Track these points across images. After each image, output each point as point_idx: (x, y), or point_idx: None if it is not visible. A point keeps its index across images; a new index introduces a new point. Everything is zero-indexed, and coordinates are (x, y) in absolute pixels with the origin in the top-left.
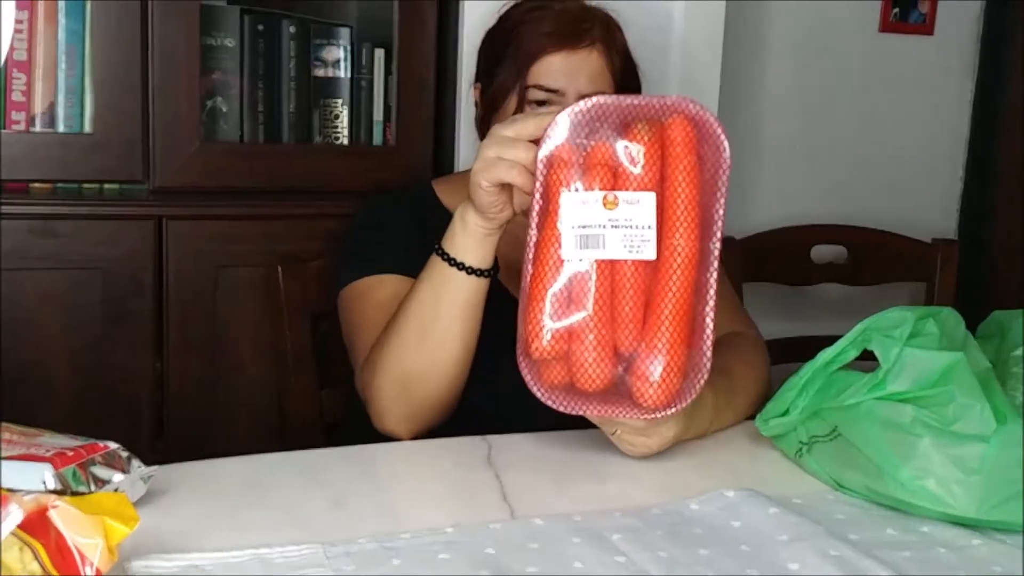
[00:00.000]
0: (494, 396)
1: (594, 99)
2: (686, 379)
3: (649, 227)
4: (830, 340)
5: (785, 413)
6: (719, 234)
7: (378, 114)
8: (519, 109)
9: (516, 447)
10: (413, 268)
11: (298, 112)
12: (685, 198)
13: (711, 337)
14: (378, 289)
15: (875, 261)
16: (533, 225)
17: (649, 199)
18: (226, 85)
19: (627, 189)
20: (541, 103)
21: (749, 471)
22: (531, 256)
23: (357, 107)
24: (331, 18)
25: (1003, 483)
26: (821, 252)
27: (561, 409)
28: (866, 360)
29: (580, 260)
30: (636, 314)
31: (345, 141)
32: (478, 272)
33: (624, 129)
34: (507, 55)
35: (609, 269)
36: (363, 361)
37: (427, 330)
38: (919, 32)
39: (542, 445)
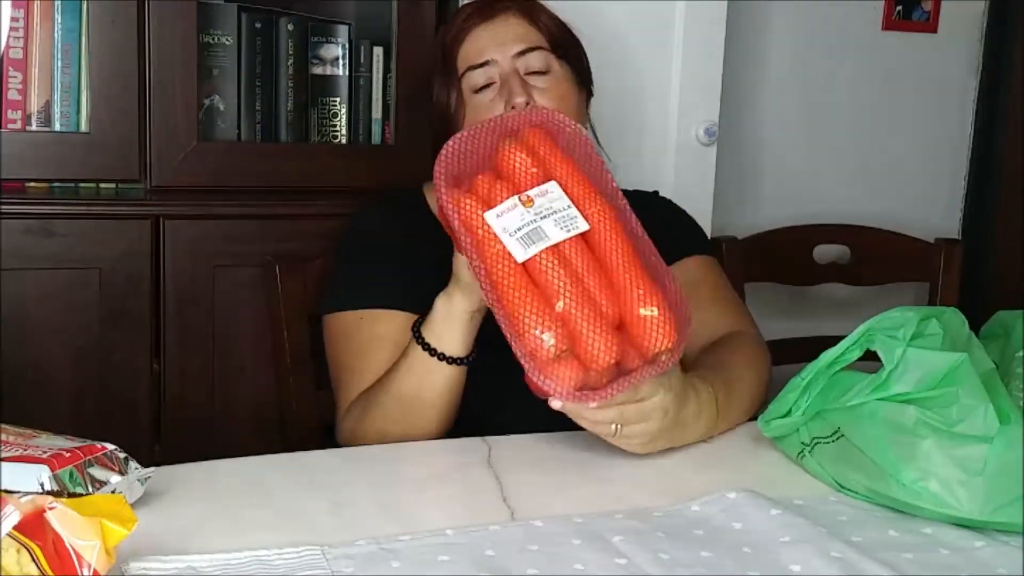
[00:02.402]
0: (499, 407)
1: (450, 143)
2: (676, 313)
3: (569, 206)
4: (833, 340)
5: (787, 414)
6: (620, 194)
7: (377, 112)
8: (459, 103)
9: (516, 448)
10: (399, 297)
11: (296, 110)
12: (574, 178)
13: (670, 272)
14: (366, 327)
15: (878, 261)
16: (474, 259)
17: (554, 186)
18: (224, 83)
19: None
20: (483, 88)
21: (751, 472)
22: (487, 285)
23: (356, 105)
24: (329, 16)
25: (1007, 484)
26: (824, 252)
27: (588, 401)
28: (869, 361)
29: (535, 257)
30: (602, 280)
31: (344, 140)
32: (457, 361)
33: (494, 153)
34: (436, 69)
35: (556, 256)
36: (344, 411)
37: (408, 411)
38: (922, 30)
39: (542, 446)
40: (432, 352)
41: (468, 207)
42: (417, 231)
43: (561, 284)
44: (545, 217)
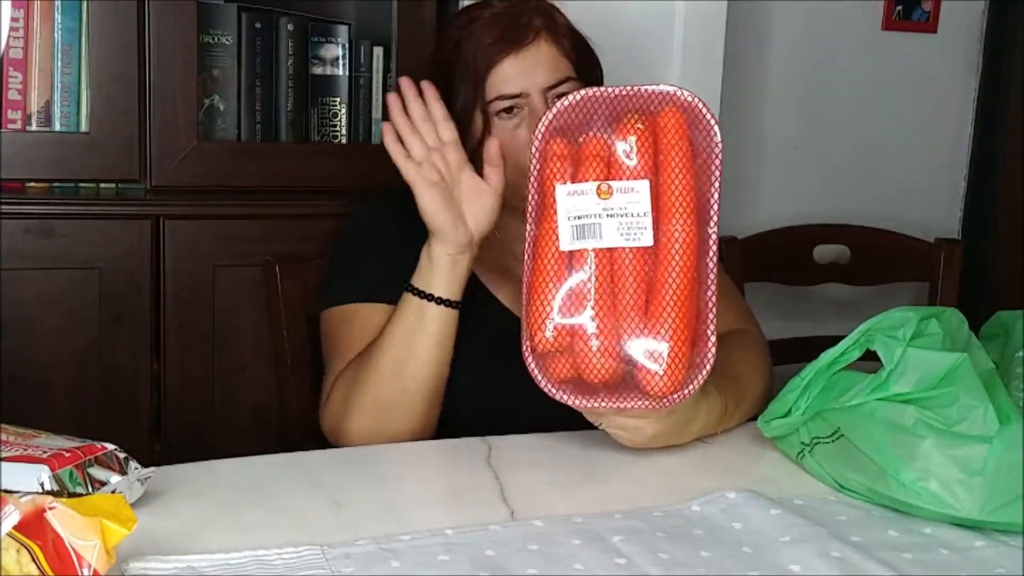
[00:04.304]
0: (488, 407)
1: (583, 92)
2: (692, 366)
3: (645, 214)
4: (833, 340)
5: (787, 414)
6: (715, 219)
7: (377, 112)
8: (487, 127)
9: (516, 448)
10: (395, 293)
11: (296, 110)
12: (680, 185)
13: (714, 322)
14: (356, 319)
15: (878, 261)
16: (530, 220)
17: (643, 187)
18: (224, 83)
19: (621, 179)
20: (508, 111)
21: (751, 472)
22: (530, 251)
23: (356, 105)
24: (329, 16)
25: (1006, 484)
26: (823, 252)
27: (568, 402)
28: (869, 361)
29: (581, 251)
30: (637, 302)
31: (344, 140)
32: (447, 303)
33: (615, 120)
34: (457, 79)
35: (608, 259)
36: (329, 390)
37: (401, 363)
38: (922, 30)
39: (542, 446)
40: (421, 295)
41: (552, 168)
42: (418, 231)
43: (590, 288)
44: (612, 216)
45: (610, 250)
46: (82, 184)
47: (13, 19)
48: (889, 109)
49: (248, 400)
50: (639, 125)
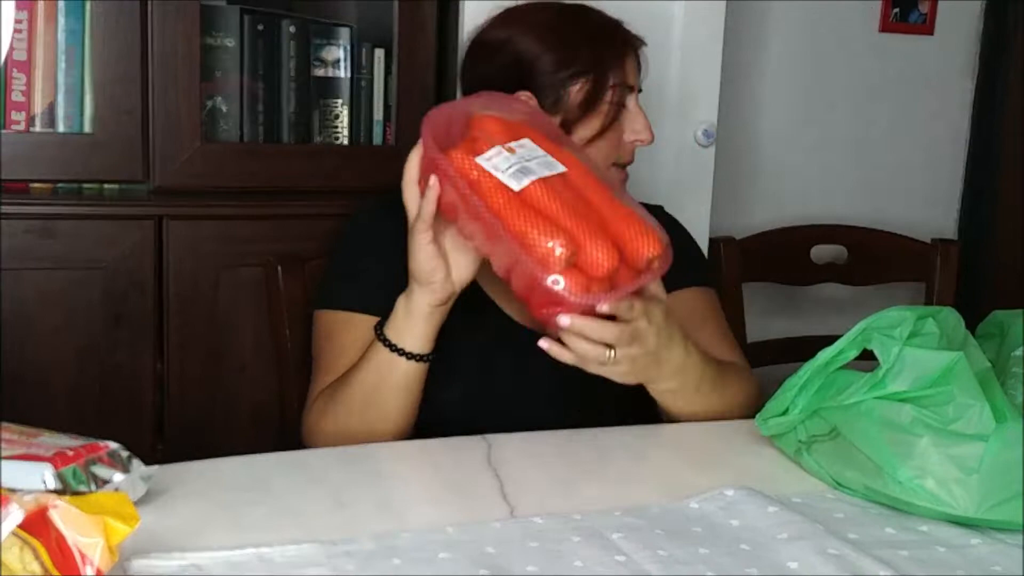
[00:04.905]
0: (483, 410)
1: (434, 110)
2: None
3: (545, 154)
4: (830, 340)
5: (785, 412)
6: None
7: (378, 114)
8: (612, 109)
9: (516, 446)
10: (385, 305)
11: (298, 112)
12: (540, 137)
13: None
14: (346, 330)
15: (875, 261)
16: (472, 203)
17: (527, 141)
18: (226, 85)
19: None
20: (620, 102)
21: (749, 470)
22: (491, 216)
23: (357, 107)
24: (331, 18)
25: (1002, 483)
26: (821, 252)
27: (604, 305)
28: (866, 360)
29: (529, 186)
30: (589, 207)
31: (345, 141)
32: (418, 357)
33: (463, 130)
34: (581, 57)
35: (549, 188)
36: (311, 403)
37: (368, 404)
38: (919, 32)
39: (542, 444)
40: (392, 348)
41: (460, 156)
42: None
43: (556, 206)
44: (528, 161)
45: (544, 180)
46: (85, 185)
47: (17, 21)
48: (886, 110)
49: (249, 399)
50: (486, 114)
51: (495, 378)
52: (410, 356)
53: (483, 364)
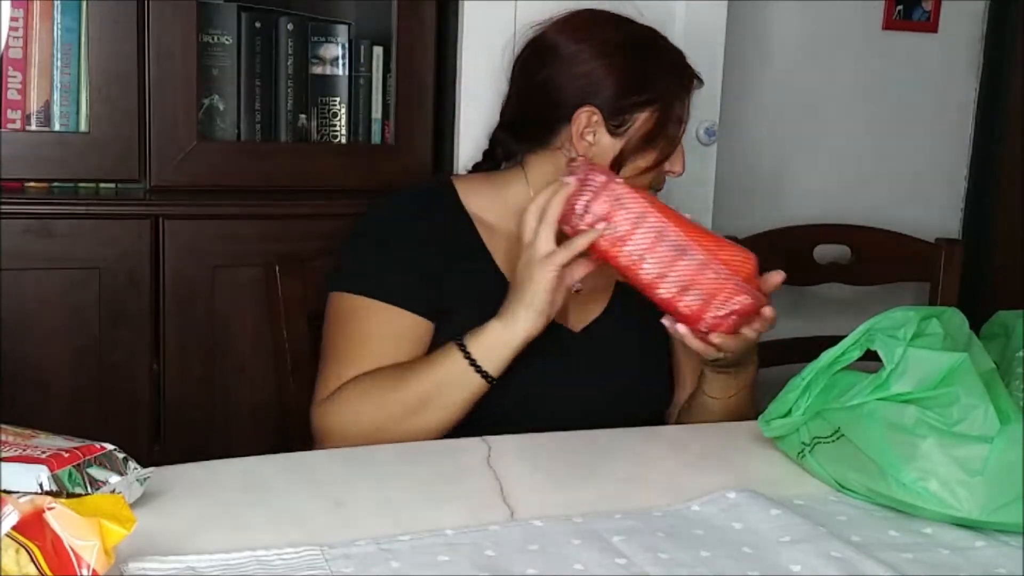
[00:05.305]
0: (538, 414)
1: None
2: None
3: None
4: (833, 340)
5: (787, 414)
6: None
7: (376, 112)
8: (668, 144)
9: (516, 448)
10: (416, 300)
11: (296, 110)
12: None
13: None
14: (371, 319)
15: (878, 261)
16: (649, 221)
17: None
18: (223, 83)
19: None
20: (677, 136)
21: (751, 472)
22: (676, 230)
23: (355, 105)
24: (329, 15)
25: (1007, 484)
26: (824, 252)
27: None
28: (869, 360)
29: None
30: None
31: (343, 140)
32: (491, 379)
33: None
34: (656, 87)
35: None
36: (329, 393)
37: (422, 409)
38: (923, 30)
39: (542, 446)
40: (473, 364)
41: (631, 186)
42: (449, 229)
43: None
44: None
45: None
46: (82, 184)
47: (13, 19)
48: (889, 109)
49: (248, 400)
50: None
51: (546, 384)
52: (486, 376)
53: (534, 371)
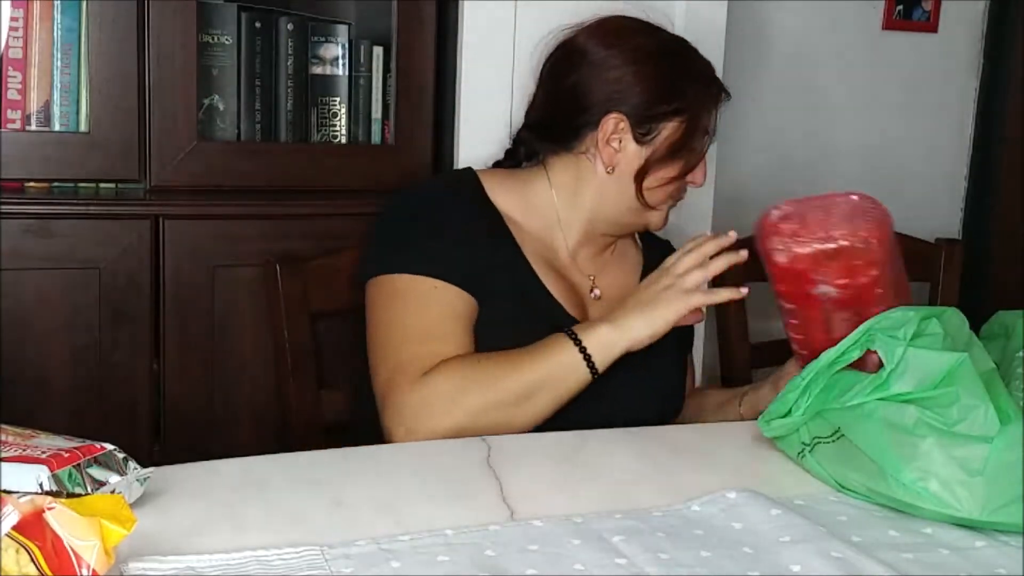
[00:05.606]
0: (594, 411)
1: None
2: None
3: None
4: None
5: (787, 414)
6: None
7: (376, 112)
8: (694, 156)
9: (516, 448)
10: (468, 281)
11: (296, 110)
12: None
13: None
14: (437, 297)
15: None
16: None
17: None
18: (223, 83)
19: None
20: (703, 148)
21: (751, 472)
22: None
23: (355, 105)
24: (329, 15)
25: (1007, 484)
26: None
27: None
28: None
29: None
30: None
31: (343, 139)
32: (596, 373)
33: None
34: (686, 97)
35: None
36: (421, 370)
37: (528, 397)
38: (922, 30)
39: (542, 446)
40: (588, 359)
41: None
42: (480, 216)
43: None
44: None
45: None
46: (81, 184)
47: (12, 19)
48: (889, 109)
49: (248, 400)
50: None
51: (605, 382)
52: (593, 371)
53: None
